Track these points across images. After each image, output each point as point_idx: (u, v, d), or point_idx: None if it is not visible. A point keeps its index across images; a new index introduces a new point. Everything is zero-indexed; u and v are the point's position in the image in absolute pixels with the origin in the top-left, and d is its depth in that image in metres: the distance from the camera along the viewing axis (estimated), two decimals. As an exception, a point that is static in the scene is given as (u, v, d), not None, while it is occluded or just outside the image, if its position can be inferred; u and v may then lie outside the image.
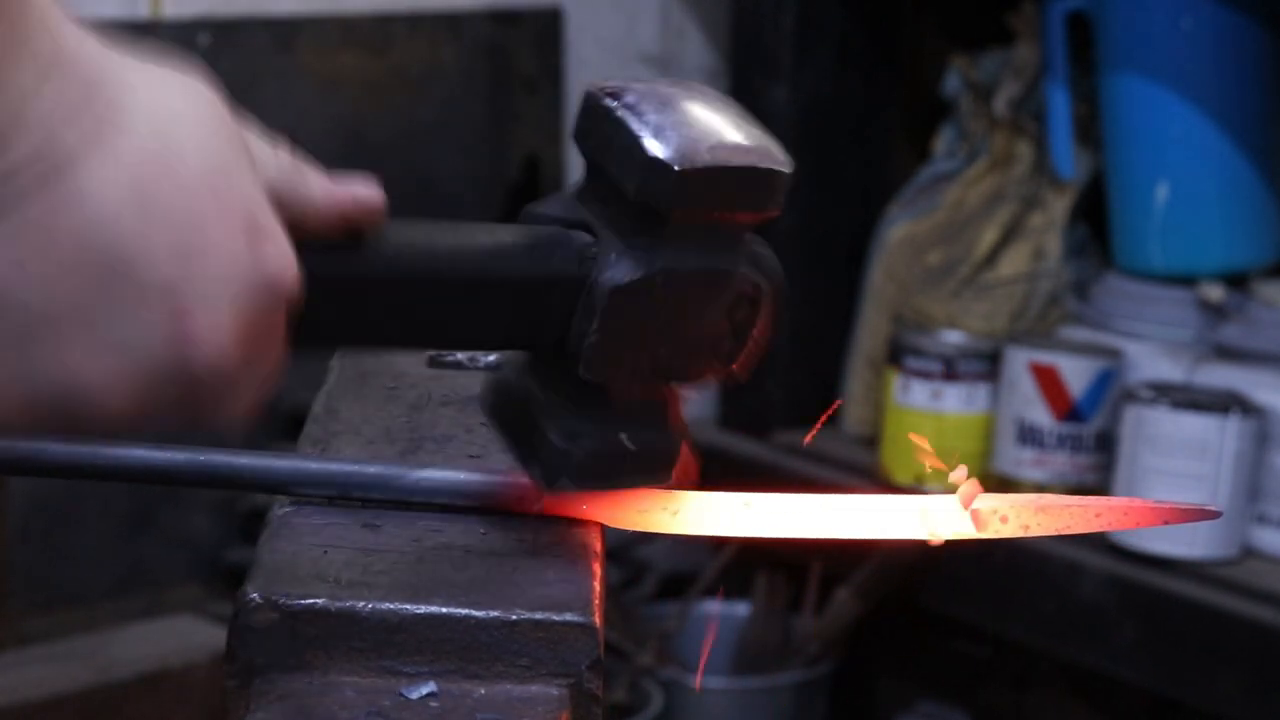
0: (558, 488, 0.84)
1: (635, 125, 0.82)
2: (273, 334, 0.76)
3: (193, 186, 0.72)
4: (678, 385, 0.87)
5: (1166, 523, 0.90)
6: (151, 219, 0.71)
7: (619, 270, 0.82)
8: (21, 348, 0.71)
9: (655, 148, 0.81)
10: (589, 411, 0.84)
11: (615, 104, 0.83)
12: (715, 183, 0.82)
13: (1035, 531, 0.89)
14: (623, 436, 0.85)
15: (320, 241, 0.79)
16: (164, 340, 0.72)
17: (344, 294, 0.80)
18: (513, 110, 2.67)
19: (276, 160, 0.78)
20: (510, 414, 0.87)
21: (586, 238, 0.83)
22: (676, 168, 0.81)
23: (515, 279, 0.83)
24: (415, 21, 2.59)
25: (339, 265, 0.80)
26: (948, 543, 0.89)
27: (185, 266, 0.72)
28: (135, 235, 0.71)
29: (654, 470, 0.87)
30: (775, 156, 0.83)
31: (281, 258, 0.75)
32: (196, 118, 0.73)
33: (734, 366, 0.86)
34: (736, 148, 0.82)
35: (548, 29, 2.70)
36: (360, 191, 0.80)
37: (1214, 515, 0.91)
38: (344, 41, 2.52)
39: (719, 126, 0.82)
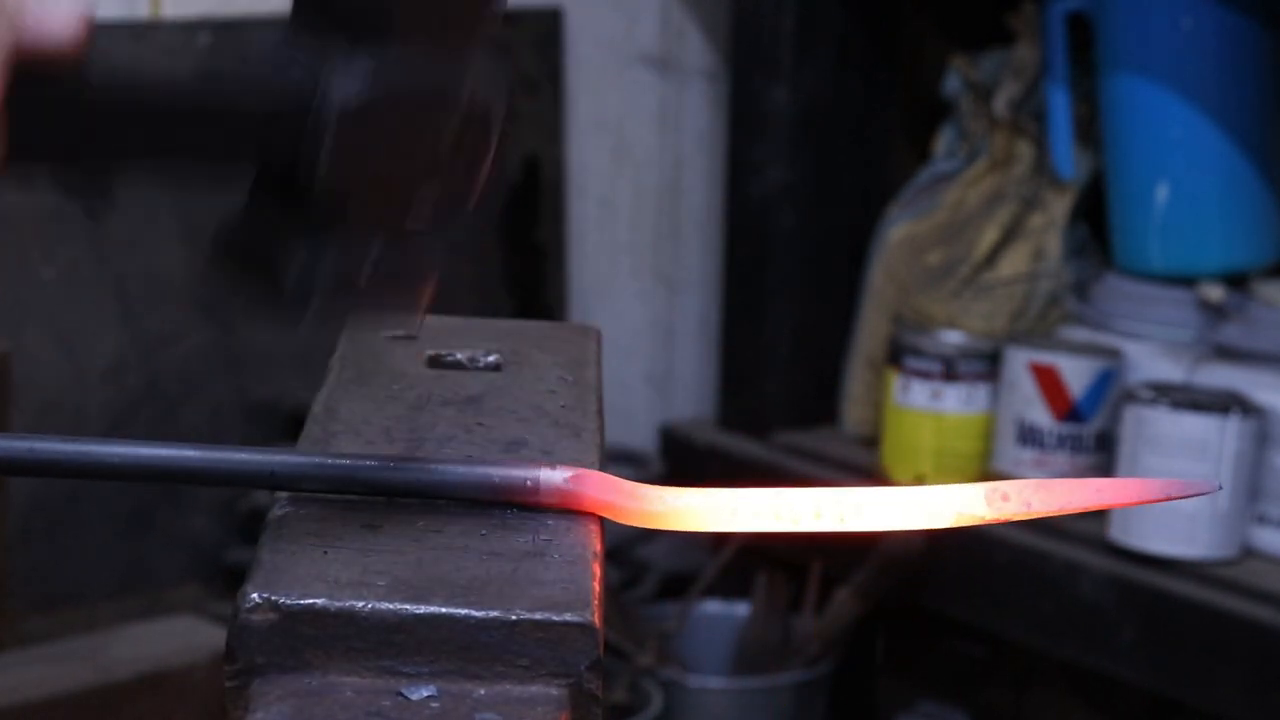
0: (305, 315, 0.84)
1: None
2: None
3: None
4: (411, 209, 0.84)
5: (1168, 498, 0.90)
6: None
7: (345, 88, 0.81)
8: None
9: None
10: (327, 238, 0.83)
11: None
12: None
13: (1038, 510, 0.89)
14: (365, 258, 0.84)
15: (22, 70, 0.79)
16: None
17: (45, 122, 0.81)
18: (512, 110, 2.67)
19: None
20: (243, 255, 0.85)
21: (308, 61, 0.82)
22: None
23: (234, 104, 0.82)
24: (415, 21, 2.59)
25: (43, 88, 0.80)
26: (950, 535, 0.88)
27: None
28: None
29: (401, 291, 0.86)
30: None
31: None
32: None
33: (464, 188, 0.85)
34: None
35: (548, 29, 2.70)
36: (60, 30, 0.79)
37: (1213, 489, 0.91)
38: (344, 41, 2.52)
39: None
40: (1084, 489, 0.90)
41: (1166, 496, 0.89)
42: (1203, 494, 0.90)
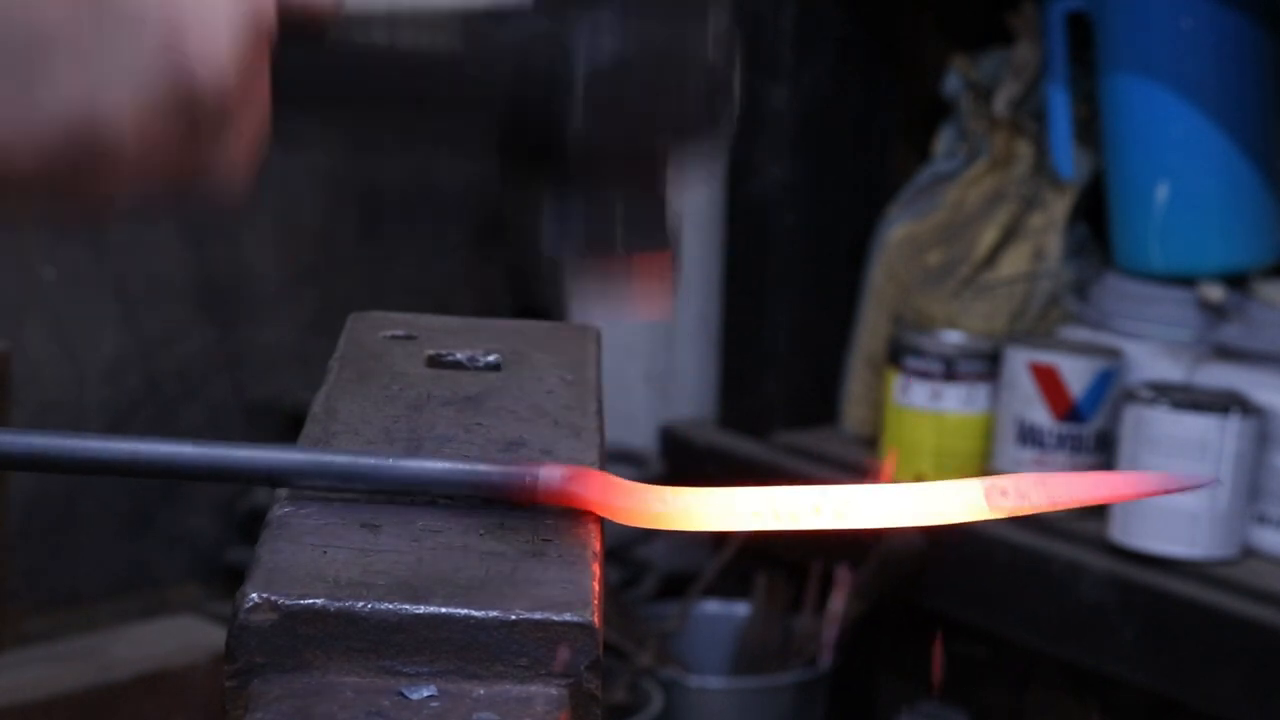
0: (564, 256, 0.85)
1: None
2: (259, 72, 0.78)
3: None
4: (661, 156, 0.87)
5: (1165, 492, 0.90)
6: None
7: (593, 48, 0.83)
8: (27, 81, 0.73)
9: None
10: (577, 188, 0.85)
11: None
12: None
13: (1035, 505, 0.89)
14: (613, 206, 0.85)
15: (286, 25, 0.81)
16: (164, 66, 0.74)
17: (311, 77, 0.83)
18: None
19: None
20: (505, 231, 0.88)
21: (555, 21, 0.84)
22: None
23: (493, 77, 0.84)
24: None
25: (305, 51, 0.82)
26: (950, 535, 0.88)
27: None
28: None
29: (647, 242, 0.87)
30: None
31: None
32: None
33: (707, 133, 0.87)
34: None
35: (548, 29, 2.70)
36: None
37: (1210, 483, 0.91)
38: (344, 41, 2.52)
39: None
40: (1081, 482, 0.90)
41: (1163, 490, 0.90)
42: (1199, 488, 0.90)
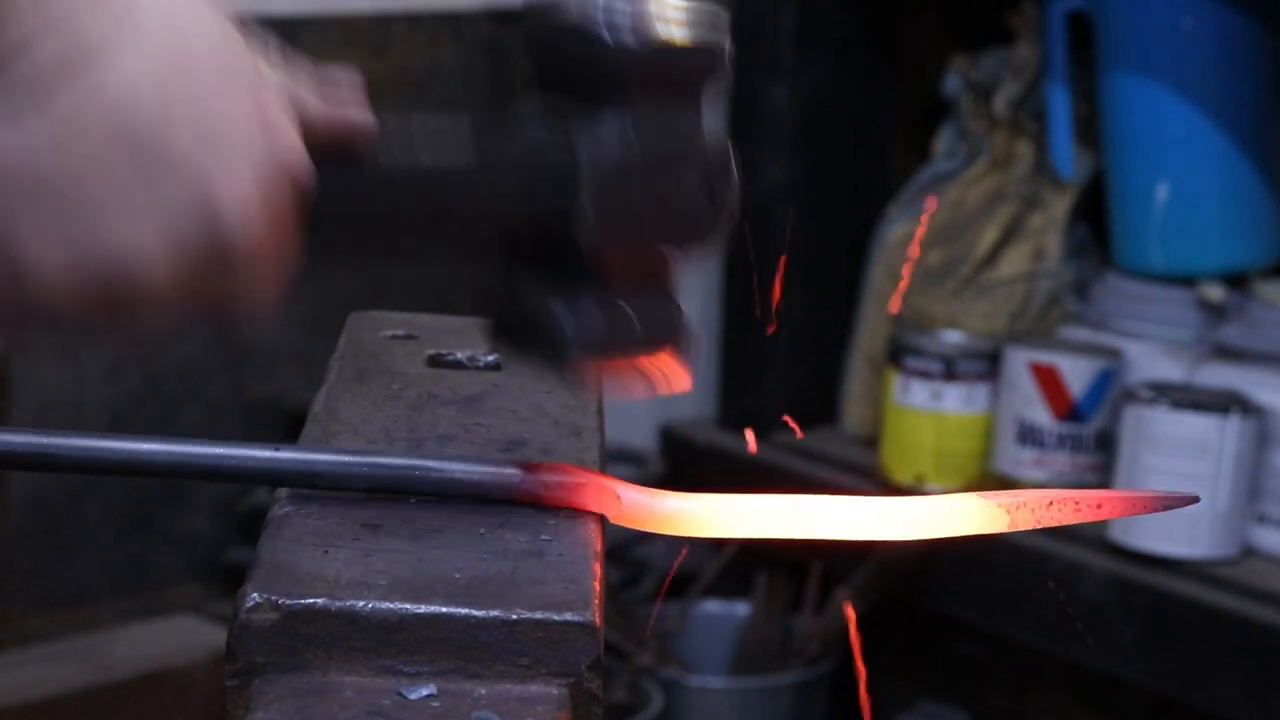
0: (569, 358, 0.87)
1: (592, 15, 0.86)
2: (288, 218, 0.82)
3: (208, 75, 0.79)
4: (668, 253, 0.89)
5: (1157, 509, 0.91)
6: (172, 104, 0.78)
7: (600, 150, 0.85)
8: (67, 227, 0.78)
9: (615, 33, 0.85)
10: (590, 289, 0.87)
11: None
12: (673, 58, 0.86)
13: (1035, 525, 0.90)
14: (625, 305, 0.87)
15: (317, 154, 0.83)
16: (195, 213, 0.79)
17: (343, 206, 0.85)
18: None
19: (277, 70, 0.84)
20: (509, 320, 0.89)
21: (559, 126, 0.86)
22: (637, 47, 0.85)
23: (507, 188, 0.86)
24: (415, 21, 2.59)
25: (336, 179, 0.84)
26: (950, 542, 0.89)
27: (206, 146, 0.79)
28: (159, 119, 0.78)
29: (661, 337, 0.89)
30: (718, 30, 0.88)
31: (292, 142, 0.82)
32: (206, 17, 0.80)
33: (714, 227, 0.89)
34: (688, 25, 0.87)
35: (548, 29, 2.70)
36: (353, 115, 0.85)
37: (1192, 500, 0.93)
38: (344, 41, 2.52)
39: (668, 8, 0.87)
40: (1077, 503, 0.91)
41: (1156, 508, 0.90)
42: (1189, 504, 0.91)
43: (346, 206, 0.85)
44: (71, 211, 0.78)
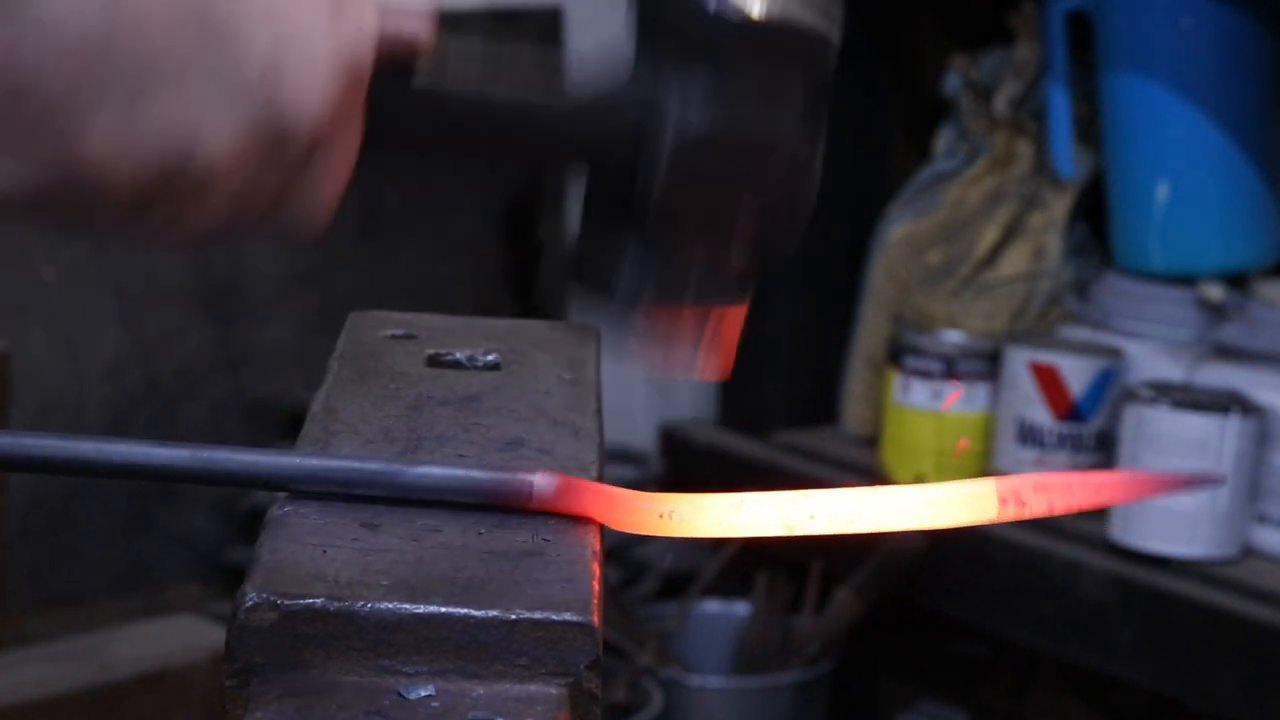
0: (616, 305, 0.87)
1: None
2: (353, 113, 0.80)
3: None
4: (732, 241, 0.89)
5: (1169, 492, 0.90)
6: None
7: (684, 113, 0.84)
8: (130, 99, 0.73)
9: (716, 3, 0.84)
10: (653, 254, 0.87)
11: None
12: (771, 37, 0.85)
13: (1036, 510, 0.89)
14: (686, 281, 0.87)
15: (378, 66, 0.81)
16: (260, 97, 0.75)
17: (397, 122, 0.84)
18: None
19: None
20: (583, 266, 0.89)
21: (648, 82, 0.86)
22: (735, 19, 0.84)
23: (576, 127, 0.86)
24: (415, 21, 2.59)
25: (393, 94, 0.83)
26: (950, 535, 0.88)
27: (274, 23, 0.75)
28: None
29: (722, 299, 0.89)
30: (826, 19, 0.87)
31: (365, 32, 0.79)
32: None
33: (782, 233, 0.90)
34: (793, 6, 0.86)
35: (548, 29, 2.70)
36: (415, 25, 0.83)
37: (1216, 483, 0.91)
38: (344, 41, 2.52)
39: None
40: (1083, 486, 0.90)
41: (1165, 491, 0.90)
42: (1203, 487, 0.90)
43: (407, 117, 0.84)
44: (127, 85, 0.73)
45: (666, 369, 0.91)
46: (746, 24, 0.85)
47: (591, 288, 0.88)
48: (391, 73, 0.82)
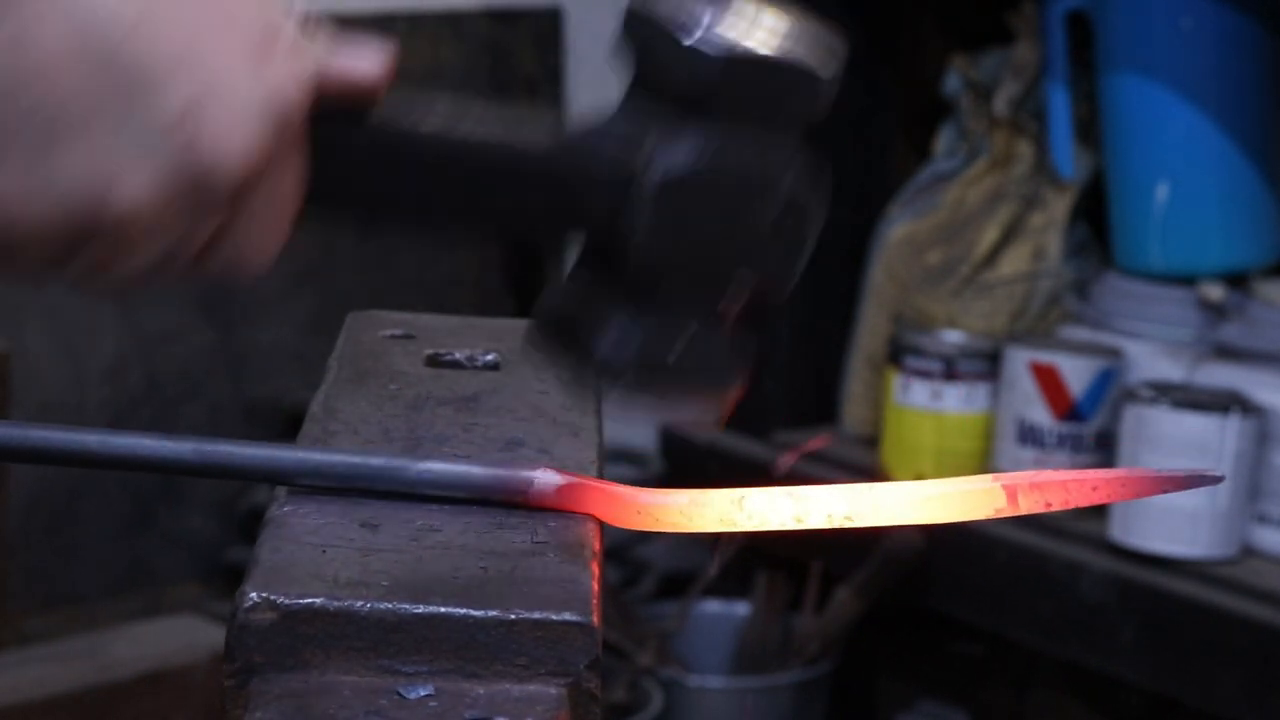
0: (613, 389, 0.84)
1: (680, 18, 0.81)
2: (289, 156, 0.76)
3: None
4: (725, 291, 0.84)
5: (1165, 491, 0.89)
6: (154, 12, 0.72)
7: (670, 160, 0.81)
8: (44, 149, 0.71)
9: (699, 38, 0.81)
10: (641, 312, 0.82)
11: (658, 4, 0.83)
12: (758, 73, 0.81)
13: (1032, 507, 0.88)
14: (678, 336, 0.83)
15: (325, 108, 0.78)
16: (178, 144, 0.72)
17: (350, 165, 0.80)
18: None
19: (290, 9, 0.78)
20: (559, 329, 0.85)
21: (635, 131, 0.82)
22: (719, 55, 0.80)
23: (549, 169, 0.81)
24: (415, 21, 2.59)
25: (344, 136, 0.79)
26: (950, 535, 0.89)
27: (191, 65, 0.72)
28: (135, 29, 0.71)
29: (706, 375, 0.85)
30: (821, 55, 0.83)
31: (296, 74, 0.75)
32: None
33: (778, 279, 0.85)
34: (783, 41, 0.82)
35: (548, 29, 2.70)
36: (366, 64, 0.79)
37: (1215, 481, 0.90)
38: (344, 41, 2.52)
39: (766, 21, 0.82)
40: (1079, 485, 0.89)
41: (1162, 490, 0.89)
42: (1202, 485, 0.89)
43: (360, 157, 0.80)
44: (50, 133, 0.71)
45: (647, 417, 0.88)
46: (731, 59, 0.81)
47: (571, 351, 0.84)
48: (343, 113, 0.79)
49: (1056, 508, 0.88)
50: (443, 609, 0.78)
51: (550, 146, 0.82)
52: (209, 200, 0.74)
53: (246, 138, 0.73)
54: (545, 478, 0.87)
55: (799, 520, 0.88)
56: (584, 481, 0.88)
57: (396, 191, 0.81)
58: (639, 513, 0.88)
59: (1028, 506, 0.88)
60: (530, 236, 0.86)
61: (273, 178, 0.76)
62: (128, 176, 0.72)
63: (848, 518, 0.89)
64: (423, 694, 0.76)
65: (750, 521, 0.88)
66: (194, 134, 0.73)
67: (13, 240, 0.72)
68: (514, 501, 0.87)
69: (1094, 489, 0.89)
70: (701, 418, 0.87)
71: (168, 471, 0.88)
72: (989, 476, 0.89)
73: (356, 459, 0.88)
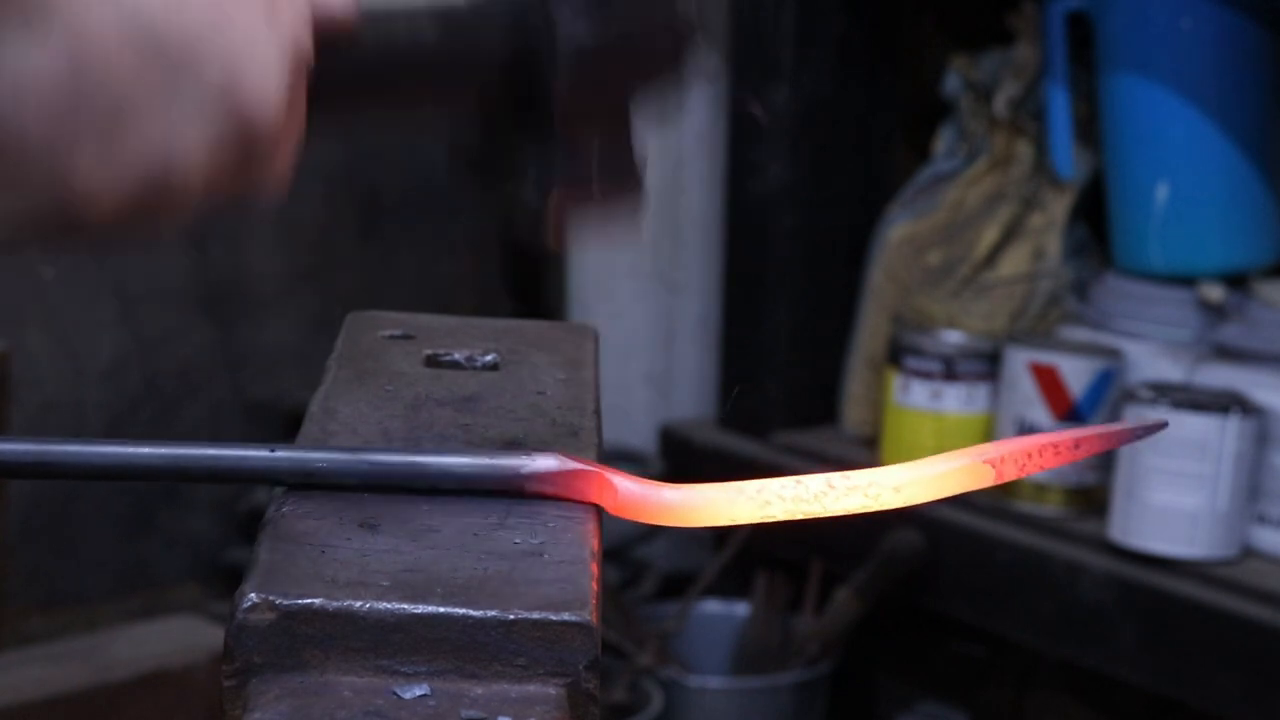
0: (532, 196, 0.93)
1: None
2: (299, 94, 0.86)
3: None
4: (630, 119, 0.95)
5: (1115, 445, 0.96)
6: (182, 5, 0.81)
7: (577, 25, 0.92)
8: (106, 134, 0.80)
9: None
10: (557, 148, 0.94)
11: None
12: None
13: (1008, 474, 0.93)
14: (591, 162, 0.94)
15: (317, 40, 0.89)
16: (223, 105, 0.82)
17: (335, 80, 0.90)
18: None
19: None
20: (483, 164, 0.98)
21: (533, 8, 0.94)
22: None
23: (477, 45, 0.94)
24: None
25: (330, 59, 0.90)
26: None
27: (224, 37, 0.82)
28: (173, 17, 0.81)
29: (620, 183, 0.95)
30: None
31: (302, 24, 0.86)
32: None
33: (675, 77, 0.96)
34: None
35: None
36: (337, 4, 0.90)
37: (1160, 427, 0.96)
38: (344, 41, 2.52)
39: None
40: (1046, 447, 0.94)
41: (1114, 444, 0.93)
42: (1153, 433, 0.94)
43: (338, 80, 0.90)
44: (101, 123, 0.79)
45: (581, 240, 0.96)
46: None
47: (498, 182, 0.95)
48: (325, 44, 0.89)
49: (1034, 470, 0.94)
50: (441, 609, 0.78)
51: (475, 29, 0.94)
52: (254, 143, 0.84)
53: (277, 85, 0.84)
54: (546, 461, 0.87)
55: (800, 505, 0.90)
56: (586, 466, 0.88)
57: (365, 93, 0.94)
58: (644, 501, 0.89)
59: (1006, 474, 0.93)
60: (462, 100, 0.96)
61: (292, 116, 0.86)
62: (187, 141, 0.82)
63: (850, 504, 0.90)
64: (421, 694, 0.76)
65: (755, 511, 0.89)
66: (236, 92, 0.82)
67: (93, 211, 0.81)
68: (515, 489, 0.87)
69: (1057, 450, 0.95)
70: (618, 223, 0.97)
71: (144, 479, 0.89)
72: (969, 451, 0.92)
73: (357, 455, 0.88)
